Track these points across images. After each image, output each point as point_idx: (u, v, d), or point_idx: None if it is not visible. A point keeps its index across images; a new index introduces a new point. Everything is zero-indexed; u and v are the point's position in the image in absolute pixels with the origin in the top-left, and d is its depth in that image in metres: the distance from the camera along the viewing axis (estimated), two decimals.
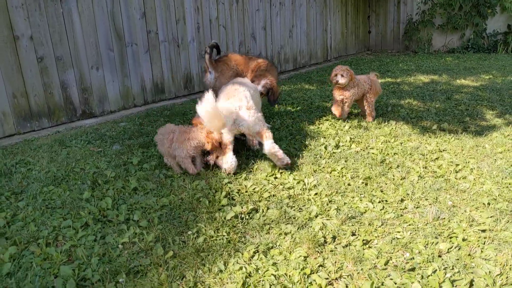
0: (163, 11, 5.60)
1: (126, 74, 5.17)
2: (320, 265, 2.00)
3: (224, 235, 2.27)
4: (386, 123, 4.37)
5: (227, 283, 1.89)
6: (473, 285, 1.85)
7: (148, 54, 5.42)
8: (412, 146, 3.68)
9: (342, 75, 4.19)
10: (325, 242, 2.21)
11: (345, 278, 1.91)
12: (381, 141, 3.79)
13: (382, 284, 1.85)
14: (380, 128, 4.20)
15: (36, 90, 4.25)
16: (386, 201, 2.67)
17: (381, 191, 2.81)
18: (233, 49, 7.08)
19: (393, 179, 3.00)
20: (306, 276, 1.91)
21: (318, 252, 2.11)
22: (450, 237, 2.23)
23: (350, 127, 4.25)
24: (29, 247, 2.18)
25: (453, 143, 3.70)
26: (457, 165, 3.20)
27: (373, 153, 3.50)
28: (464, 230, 2.29)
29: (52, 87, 4.39)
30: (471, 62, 9.34)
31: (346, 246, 2.16)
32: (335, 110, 4.39)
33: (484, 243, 2.17)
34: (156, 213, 2.53)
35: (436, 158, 3.36)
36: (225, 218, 2.44)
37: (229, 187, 2.88)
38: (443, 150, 3.54)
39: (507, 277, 1.89)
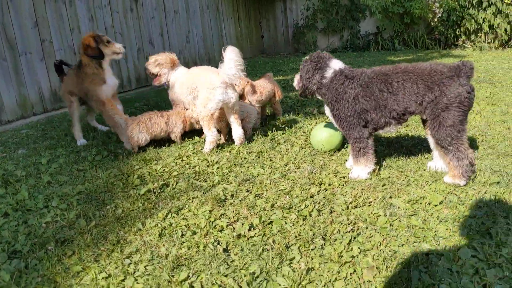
0: (55, 20, 5.65)
1: (22, 83, 5.14)
2: (222, 214, 2.50)
3: (140, 206, 2.65)
4: None
5: (146, 236, 2.28)
6: (333, 210, 2.51)
7: (44, 62, 5.43)
8: (297, 126, 4.39)
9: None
10: (226, 199, 2.71)
11: (241, 219, 2.43)
12: (272, 124, 4.44)
13: (269, 219, 2.41)
14: (272, 115, 4.87)
15: None
16: (274, 167, 3.27)
17: (271, 160, 3.41)
18: (132, 55, 7.30)
19: (281, 151, 3.63)
20: (210, 222, 2.39)
21: (220, 206, 2.61)
22: (320, 184, 2.90)
23: None
24: None
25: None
26: None
27: (265, 135, 4.12)
28: (330, 178, 2.97)
29: None
30: (349, 59, 10.73)
31: (242, 199, 2.69)
32: None
33: (343, 185, 2.87)
34: (73, 198, 2.79)
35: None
36: (139, 193, 2.82)
37: (141, 171, 3.23)
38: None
39: (356, 203, 2.58)
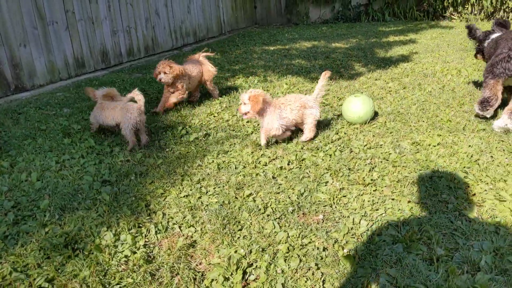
0: None
1: (50, 50, 5.51)
2: (262, 154, 3.08)
3: (193, 149, 3.20)
4: (285, 76, 5.59)
5: (207, 169, 2.85)
6: (352, 150, 3.11)
7: (68, 32, 5.79)
8: (306, 89, 4.94)
9: (165, 72, 3.89)
10: None
11: (279, 157, 3.01)
12: (284, 88, 4.98)
13: (301, 157, 3.00)
14: (281, 80, 5.40)
15: None
16: None
17: None
18: (141, 25, 7.63)
19: None
20: (255, 159, 2.97)
21: (259, 149, 3.18)
22: (337, 133, 3.48)
23: (258, 81, 5.37)
24: (44, 173, 2.83)
25: (333, 86, 5.07)
26: (338, 98, 4.53)
27: (282, 93, 4.66)
28: (345, 129, 3.56)
29: None
30: (342, 29, 11.21)
31: (276, 144, 3.27)
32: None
33: (357, 134, 3.46)
34: None
35: (323, 96, 4.66)
36: (189, 140, 3.36)
37: (182, 125, 3.76)
38: (327, 90, 4.86)
39: (370, 145, 3.18)
